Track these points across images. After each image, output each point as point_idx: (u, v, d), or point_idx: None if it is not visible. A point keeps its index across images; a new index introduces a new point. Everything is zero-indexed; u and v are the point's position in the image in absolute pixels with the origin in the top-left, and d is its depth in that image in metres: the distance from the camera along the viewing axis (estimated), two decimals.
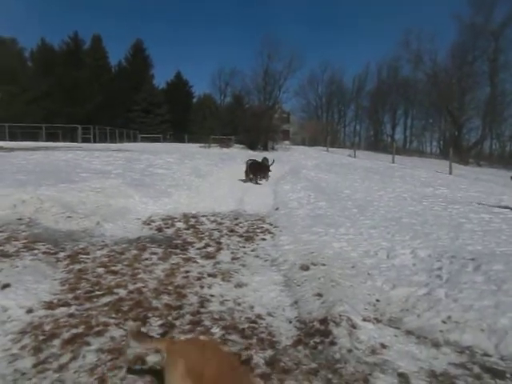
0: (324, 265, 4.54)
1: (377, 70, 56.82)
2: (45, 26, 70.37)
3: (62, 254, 4.80)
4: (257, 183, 12.90)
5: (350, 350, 2.77)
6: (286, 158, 21.16)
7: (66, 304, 3.46)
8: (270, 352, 2.84)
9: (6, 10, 66.06)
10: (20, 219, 6.08)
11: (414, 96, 49.04)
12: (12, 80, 37.77)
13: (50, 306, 3.41)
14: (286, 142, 38.62)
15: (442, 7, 73.22)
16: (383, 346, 2.87)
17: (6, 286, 3.61)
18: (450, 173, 17.26)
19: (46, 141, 30.59)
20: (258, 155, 20.10)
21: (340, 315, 3.20)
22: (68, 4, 74.54)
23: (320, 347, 2.87)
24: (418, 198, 9.51)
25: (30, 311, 3.27)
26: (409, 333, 3.12)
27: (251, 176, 13.11)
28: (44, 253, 4.76)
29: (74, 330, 3.00)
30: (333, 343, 2.86)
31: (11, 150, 16.24)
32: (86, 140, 33.15)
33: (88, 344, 2.82)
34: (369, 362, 2.66)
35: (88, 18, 76.63)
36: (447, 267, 4.24)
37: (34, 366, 2.54)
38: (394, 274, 4.22)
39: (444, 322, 3.14)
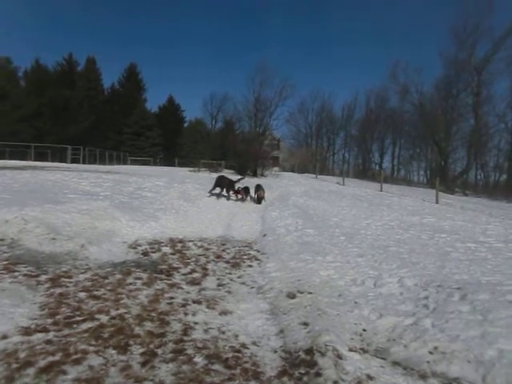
0: (311, 293, 4.49)
1: (365, 99, 58.31)
2: (40, 47, 71.49)
3: (43, 277, 4.65)
4: (229, 199, 13.80)
5: (335, 382, 2.69)
6: (275, 185, 21.22)
7: (44, 330, 3.33)
8: (253, 383, 2.76)
9: (1, 31, 66.79)
10: (2, 240, 5.92)
11: (402, 126, 50.27)
12: (3, 98, 37.77)
13: (26, 331, 3.27)
14: (276, 169, 38.81)
15: (428, 41, 75.89)
16: (369, 377, 2.81)
17: None
18: (437, 202, 17.44)
19: (35, 160, 30.33)
20: (247, 181, 20.17)
21: (326, 345, 3.14)
22: (63, 27, 75.63)
23: (305, 378, 2.79)
24: (405, 226, 9.56)
25: (4, 337, 3.12)
26: (395, 364, 3.06)
27: (219, 190, 14.13)
28: (25, 275, 4.61)
29: (51, 358, 2.87)
30: (318, 374, 2.79)
31: None
32: (75, 161, 33.01)
33: (64, 373, 2.69)
34: None
35: (83, 40, 77.80)
36: (434, 296, 4.22)
37: None
38: (381, 303, 4.19)
39: (431, 353, 3.10)
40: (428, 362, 3.01)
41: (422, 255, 6.34)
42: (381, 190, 22.01)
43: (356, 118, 59.30)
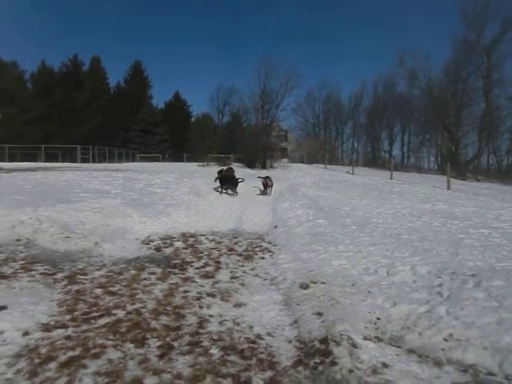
0: (324, 283, 4.50)
1: (373, 86, 57.64)
2: (45, 49, 72.11)
3: (59, 275, 4.75)
4: (226, 193, 13.75)
5: (351, 371, 2.71)
6: (284, 176, 21.20)
7: (63, 326, 3.42)
8: (269, 373, 2.79)
9: (8, 34, 67.29)
10: (18, 240, 6.06)
11: (411, 112, 49.54)
12: (11, 102, 38.17)
13: (46, 328, 3.36)
14: (284, 160, 38.81)
15: (436, 24, 74.63)
16: (385, 365, 2.82)
17: (3, 307, 3.57)
18: (448, 188, 17.28)
19: (46, 161, 30.70)
20: (256, 173, 20.17)
21: (340, 334, 3.15)
22: (68, 26, 75.96)
23: (320, 368, 2.82)
24: (417, 214, 9.49)
25: (26, 334, 3.22)
26: (410, 351, 3.07)
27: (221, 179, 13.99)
28: (42, 274, 4.72)
29: (71, 353, 2.95)
30: (333, 363, 2.81)
31: (10, 170, 16.26)
32: (85, 160, 33.33)
33: (85, 367, 2.77)
34: (370, 382, 2.61)
35: (87, 39, 77.99)
36: (448, 284, 4.21)
37: None
38: (395, 292, 4.18)
39: (446, 340, 3.10)
40: (443, 349, 3.01)
41: (435, 242, 6.30)
42: (391, 178, 21.86)
43: (364, 106, 58.77)
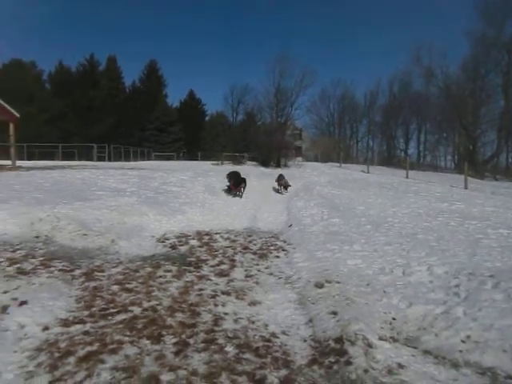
0: (339, 282, 4.49)
1: (388, 84, 56.98)
2: (63, 49, 72.99)
3: (77, 272, 4.84)
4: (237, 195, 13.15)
5: (366, 370, 2.71)
6: (298, 175, 21.11)
7: (81, 321, 3.49)
8: (284, 371, 2.81)
9: (26, 35, 68.65)
10: (37, 237, 6.18)
11: (427, 110, 48.72)
12: (30, 101, 38.85)
13: (65, 323, 3.44)
14: (299, 159, 38.60)
15: (452, 20, 73.37)
16: (400, 365, 2.80)
17: (23, 302, 3.66)
18: (466, 187, 17.01)
19: (63, 160, 31.16)
20: (271, 172, 20.16)
21: (355, 334, 3.15)
22: (85, 26, 77.03)
23: (335, 367, 2.82)
24: (434, 213, 9.37)
25: (45, 328, 3.31)
26: (426, 352, 3.05)
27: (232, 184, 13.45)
28: (60, 270, 4.81)
29: (89, 348, 3.01)
30: (348, 363, 2.81)
31: (29, 169, 16.54)
32: (101, 158, 33.69)
33: (102, 362, 2.83)
34: (386, 382, 2.60)
35: (104, 39, 78.92)
36: (465, 284, 4.16)
37: (50, 383, 2.57)
38: (411, 292, 4.15)
39: (463, 342, 3.06)
40: (460, 351, 2.98)
41: (452, 242, 6.22)
42: (407, 177, 21.61)
43: (379, 104, 58.06)
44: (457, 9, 72.28)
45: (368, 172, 25.23)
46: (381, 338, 3.20)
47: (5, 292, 3.91)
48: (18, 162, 20.16)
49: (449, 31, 74.82)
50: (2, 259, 5.03)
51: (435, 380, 2.67)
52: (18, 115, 19.32)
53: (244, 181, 13.54)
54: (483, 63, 38.34)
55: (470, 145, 39.37)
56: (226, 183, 13.71)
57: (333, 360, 2.91)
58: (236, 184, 13.26)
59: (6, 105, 18.68)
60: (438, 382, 2.64)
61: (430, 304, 3.77)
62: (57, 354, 2.90)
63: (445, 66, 41.13)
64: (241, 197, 12.96)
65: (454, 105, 39.06)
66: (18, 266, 4.81)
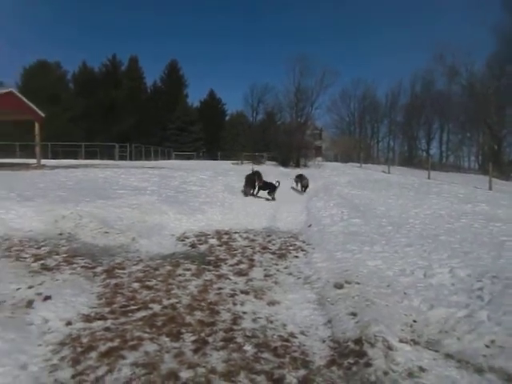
0: (358, 283, 4.44)
1: (410, 84, 56.15)
2: (86, 50, 74.45)
3: (99, 269, 4.93)
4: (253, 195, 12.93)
5: (386, 373, 2.67)
6: (318, 175, 21.04)
7: (103, 317, 3.56)
8: (302, 372, 2.80)
9: (52, 36, 70.33)
10: (60, 234, 6.33)
11: (450, 110, 47.72)
12: (55, 101, 39.78)
13: (87, 318, 3.52)
14: (319, 159, 38.48)
15: (478, 16, 71.59)
16: (421, 369, 2.75)
17: (48, 298, 3.76)
18: (490, 188, 16.62)
19: (86, 158, 31.86)
20: (290, 172, 20.11)
21: (375, 335, 3.11)
22: (108, 27, 78.41)
23: (354, 368, 2.79)
24: (456, 215, 9.19)
25: (68, 323, 3.39)
26: (448, 356, 2.98)
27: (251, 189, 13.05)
28: (82, 267, 4.92)
29: (110, 344, 3.07)
30: (368, 364, 2.78)
31: (53, 167, 16.94)
32: (122, 157, 34.26)
33: (123, 358, 2.87)
34: None
35: (126, 39, 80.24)
36: (489, 288, 4.06)
37: (73, 376, 2.63)
38: (432, 294, 4.07)
39: (487, 347, 2.99)
40: (484, 355, 2.90)
41: (475, 245, 6.08)
42: (428, 178, 21.25)
43: (401, 104, 57.29)
44: (482, 4, 70.59)
45: (389, 172, 24.94)
46: (401, 341, 3.14)
47: (30, 287, 4.02)
48: (43, 161, 20.70)
49: (474, 28, 73.20)
50: (27, 255, 5.19)
51: None
52: (43, 115, 19.82)
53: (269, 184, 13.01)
54: (509, 60, 37.28)
55: (494, 145, 38.38)
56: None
57: (352, 361, 2.88)
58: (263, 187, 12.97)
59: (31, 104, 19.18)
60: None
61: (452, 307, 3.69)
62: (79, 349, 2.97)
63: (469, 63, 40.26)
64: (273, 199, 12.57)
65: (478, 103, 38.13)
66: (43, 262, 4.96)
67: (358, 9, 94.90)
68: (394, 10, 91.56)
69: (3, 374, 2.58)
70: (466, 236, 6.75)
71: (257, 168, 16.82)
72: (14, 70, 73.92)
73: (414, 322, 3.57)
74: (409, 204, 10.92)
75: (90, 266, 5.01)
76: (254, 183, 13.14)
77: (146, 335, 3.24)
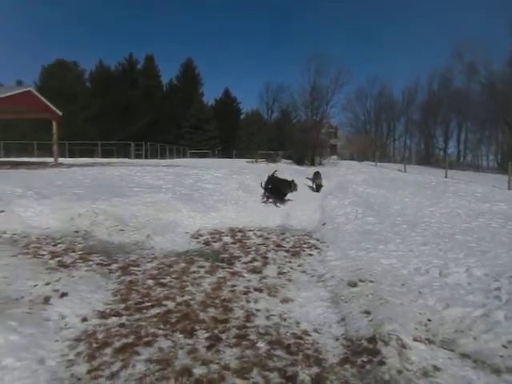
0: (372, 281, 4.41)
1: (427, 82, 55.32)
2: (103, 49, 75.48)
3: (114, 266, 5.00)
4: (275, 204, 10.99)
5: (400, 371, 2.65)
6: (333, 173, 20.89)
7: (118, 314, 3.61)
8: (316, 369, 2.79)
9: (69, 37, 71.53)
10: (77, 231, 6.43)
11: (468, 108, 46.87)
12: (72, 100, 40.39)
13: (102, 315, 3.57)
14: (334, 157, 38.17)
15: (497, 13, 70.05)
16: (436, 368, 2.72)
17: (64, 294, 3.82)
18: (510, 188, 16.27)
19: (102, 157, 32.26)
20: (305, 170, 20.03)
21: (389, 334, 3.08)
22: (124, 27, 79.31)
23: (368, 367, 2.77)
24: (474, 214, 9.03)
25: (84, 320, 3.45)
26: (464, 356, 2.94)
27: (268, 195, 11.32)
28: (98, 264, 4.99)
29: (125, 340, 3.11)
30: (382, 363, 2.76)
31: (70, 166, 17.19)
32: (138, 156, 34.58)
33: (138, 354, 2.91)
34: None
35: (142, 39, 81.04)
36: (507, 288, 3.99)
37: (89, 372, 2.67)
38: (448, 293, 4.02)
39: (504, 347, 2.94)
40: (501, 356, 2.86)
41: (493, 244, 5.98)
42: (446, 177, 20.90)
43: (418, 102, 56.48)
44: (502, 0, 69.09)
45: (405, 171, 24.63)
46: (415, 340, 3.11)
47: (47, 283, 4.09)
48: (60, 159, 21.04)
49: (494, 24, 71.70)
50: (44, 252, 5.28)
51: None
52: (60, 113, 20.12)
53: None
54: None
55: None
56: (259, 181, 12.32)
57: (365, 359, 2.86)
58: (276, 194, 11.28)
59: (49, 103, 19.49)
60: None
61: (469, 306, 3.63)
62: (95, 345, 3.02)
63: (488, 61, 39.46)
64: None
65: (497, 102, 37.37)
66: (59, 259, 5.04)
67: (374, 6, 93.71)
68: (410, 6, 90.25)
69: (22, 367, 2.64)
70: (483, 235, 6.64)
71: (272, 166, 16.26)
72: (34, 69, 75.50)
73: (429, 321, 3.53)
74: (425, 203, 10.77)
75: (105, 263, 5.08)
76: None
77: (160, 332, 3.27)
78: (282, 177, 12.21)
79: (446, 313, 3.61)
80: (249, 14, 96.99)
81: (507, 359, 2.82)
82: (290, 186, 11.90)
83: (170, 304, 3.90)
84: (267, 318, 3.68)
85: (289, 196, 11.61)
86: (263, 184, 11.67)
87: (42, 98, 19.10)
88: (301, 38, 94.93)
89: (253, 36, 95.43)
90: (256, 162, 30.81)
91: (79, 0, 74.92)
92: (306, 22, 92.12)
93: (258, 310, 3.83)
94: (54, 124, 19.93)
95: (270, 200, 11.20)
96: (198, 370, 2.72)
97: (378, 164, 31.42)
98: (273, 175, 12.48)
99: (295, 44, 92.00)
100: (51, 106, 19.58)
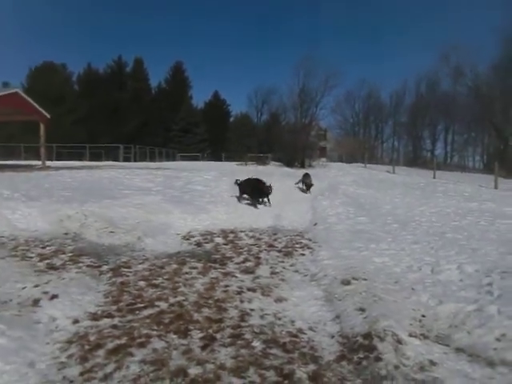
0: (365, 279, 4.41)
1: (415, 84, 55.88)
2: (92, 51, 75.05)
3: (105, 268, 4.94)
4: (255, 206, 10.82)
5: (396, 367, 2.65)
6: (323, 175, 20.95)
7: (110, 315, 3.56)
8: (312, 367, 2.78)
9: (58, 38, 70.96)
10: (66, 233, 6.36)
11: (455, 110, 47.42)
12: (60, 102, 39.94)
13: (94, 317, 3.52)
14: (323, 159, 38.39)
15: (482, 17, 71.27)
16: (432, 363, 2.73)
17: (55, 296, 3.76)
18: (496, 187, 16.50)
19: (90, 160, 31.93)
20: (295, 172, 20.07)
21: (384, 330, 3.08)
22: (114, 29, 78.96)
23: (365, 363, 2.77)
24: (463, 212, 9.14)
25: (75, 322, 3.39)
26: (459, 350, 2.96)
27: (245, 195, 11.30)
28: (88, 266, 4.93)
29: (118, 341, 3.06)
30: (378, 359, 2.75)
31: (58, 168, 16.99)
32: (126, 159, 34.38)
33: (131, 355, 2.87)
34: (418, 379, 2.53)
35: (131, 41, 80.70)
36: (498, 283, 4.02)
37: (81, 374, 2.62)
38: (440, 290, 4.04)
39: (498, 340, 2.95)
40: (495, 349, 2.87)
41: (483, 241, 6.05)
42: (434, 177, 21.15)
43: (406, 105, 57.02)
44: (486, 5, 70.23)
45: (393, 172, 24.86)
46: (411, 335, 3.12)
47: (36, 286, 4.04)
48: (48, 162, 20.77)
49: (479, 29, 72.87)
50: (33, 255, 5.22)
51: (470, 378, 2.58)
52: (48, 116, 19.88)
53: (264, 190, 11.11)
54: None
55: (500, 144, 38.17)
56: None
57: (362, 356, 2.85)
58: (255, 194, 11.15)
59: (37, 105, 19.24)
60: (472, 380, 2.55)
61: (461, 302, 3.65)
62: (87, 347, 2.97)
63: (474, 65, 39.96)
64: (269, 204, 11.08)
65: (483, 104, 37.88)
66: (49, 261, 4.98)
67: (363, 9, 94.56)
68: (399, 10, 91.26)
69: (11, 371, 2.58)
70: (473, 233, 6.73)
71: (261, 168, 16.33)
72: (21, 70, 74.76)
73: (423, 316, 3.54)
74: (415, 203, 10.88)
75: (95, 264, 5.01)
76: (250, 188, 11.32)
77: (153, 332, 3.23)
78: (263, 179, 11.88)
79: (439, 309, 3.63)
80: (238, 17, 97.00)
81: (501, 352, 2.83)
82: (268, 188, 11.19)
83: (163, 305, 3.86)
84: (262, 317, 3.65)
85: (271, 197, 11.23)
86: (238, 181, 11.65)
87: (30, 100, 18.82)
88: (290, 40, 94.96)
89: (242, 39, 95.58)
90: (246, 164, 30.85)
91: (68, 2, 74.60)
92: (294, 24, 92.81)
93: (252, 310, 3.81)
94: (42, 126, 19.65)
95: (244, 195, 11.33)
96: (194, 370, 2.68)
97: (367, 165, 31.62)
98: (251, 178, 12.15)
99: (284, 47, 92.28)
100: (39, 108, 19.31)
